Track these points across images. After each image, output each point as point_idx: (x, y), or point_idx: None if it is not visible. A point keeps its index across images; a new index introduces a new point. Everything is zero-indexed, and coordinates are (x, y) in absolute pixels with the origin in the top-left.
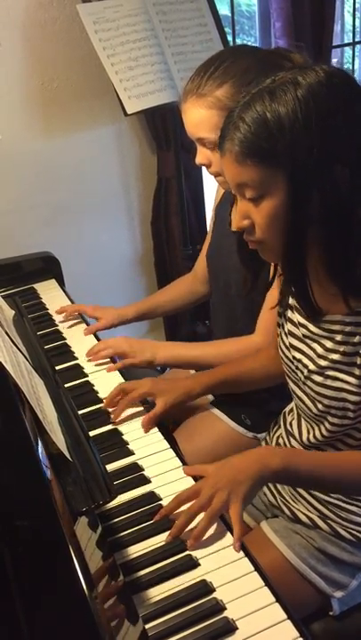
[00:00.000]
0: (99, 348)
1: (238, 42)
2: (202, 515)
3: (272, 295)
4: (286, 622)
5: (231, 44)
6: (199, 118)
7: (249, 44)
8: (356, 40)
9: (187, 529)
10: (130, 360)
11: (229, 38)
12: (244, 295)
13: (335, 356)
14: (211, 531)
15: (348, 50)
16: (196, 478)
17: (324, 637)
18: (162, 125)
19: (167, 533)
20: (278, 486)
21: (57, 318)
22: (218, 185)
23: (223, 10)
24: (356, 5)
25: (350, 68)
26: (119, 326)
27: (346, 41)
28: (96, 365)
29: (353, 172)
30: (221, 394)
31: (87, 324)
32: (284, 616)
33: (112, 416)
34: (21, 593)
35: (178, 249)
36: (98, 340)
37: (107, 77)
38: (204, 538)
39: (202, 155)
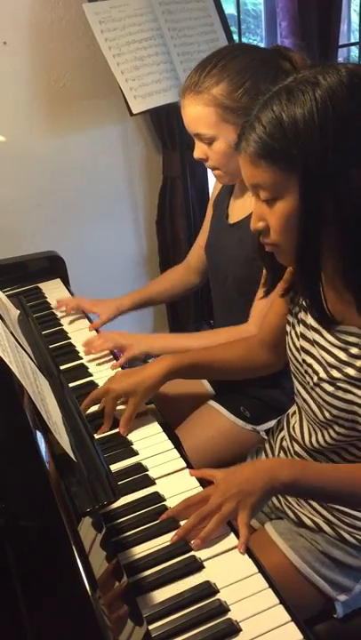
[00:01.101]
0: (98, 342)
1: (244, 41)
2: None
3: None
4: (290, 624)
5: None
6: (196, 114)
7: (255, 43)
8: None
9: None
10: (130, 353)
11: (235, 37)
12: (264, 295)
13: (350, 371)
14: (215, 532)
15: (354, 49)
16: (201, 481)
17: (328, 639)
18: (167, 125)
19: (171, 534)
20: None
21: (62, 318)
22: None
23: (229, 9)
24: None
25: None
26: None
27: (352, 40)
28: (98, 365)
29: None
30: (221, 387)
31: (89, 320)
32: (288, 618)
33: (120, 429)
34: (25, 593)
35: (183, 248)
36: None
37: (112, 77)
38: (209, 540)
39: (199, 149)
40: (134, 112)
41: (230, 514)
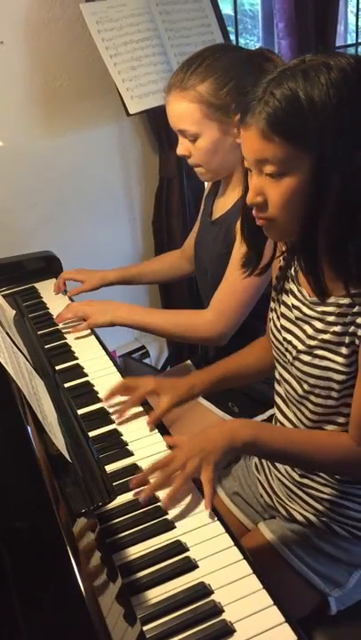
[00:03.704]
0: (63, 312)
1: (241, 41)
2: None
3: (235, 278)
4: (284, 625)
5: (234, 43)
6: (181, 111)
7: (252, 43)
8: (360, 41)
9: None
10: (93, 321)
11: (232, 38)
12: (247, 275)
13: (325, 336)
14: (209, 533)
15: (351, 50)
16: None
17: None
18: (164, 126)
19: (166, 535)
20: (274, 487)
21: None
22: None
23: (226, 9)
24: (360, 6)
25: None
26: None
27: (349, 41)
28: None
29: None
30: None
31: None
32: (282, 619)
33: (115, 415)
34: (20, 594)
35: (179, 248)
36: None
37: (109, 77)
38: (203, 540)
39: (182, 146)
40: (131, 112)
41: (194, 471)
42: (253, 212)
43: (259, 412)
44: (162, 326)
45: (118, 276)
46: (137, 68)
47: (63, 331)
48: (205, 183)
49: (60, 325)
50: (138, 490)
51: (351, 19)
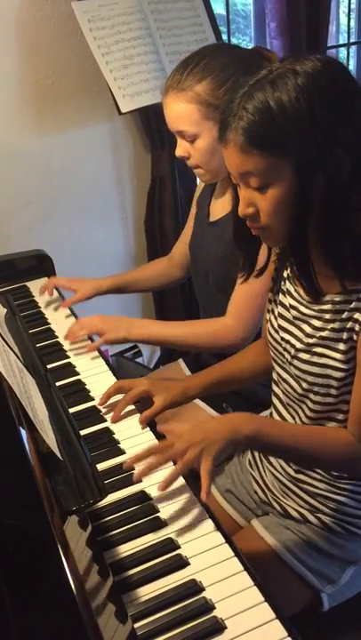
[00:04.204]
0: (74, 329)
1: (234, 41)
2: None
3: (249, 282)
4: (275, 622)
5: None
6: (179, 112)
7: (244, 43)
8: (351, 41)
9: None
10: (108, 337)
11: (224, 37)
12: (243, 280)
13: (323, 333)
14: (200, 530)
15: (343, 50)
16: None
17: (313, 636)
18: (156, 124)
19: (158, 533)
20: (268, 483)
21: (49, 317)
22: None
23: (219, 9)
24: (352, 6)
25: None
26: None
27: (341, 41)
28: (73, 345)
29: (354, 159)
30: None
31: (75, 316)
32: (273, 615)
33: (108, 416)
34: (10, 592)
35: (171, 247)
36: (74, 315)
37: (101, 76)
38: (194, 538)
39: (181, 147)
40: (123, 111)
41: (194, 459)
42: (248, 222)
43: (254, 413)
44: (182, 338)
45: (112, 284)
46: (129, 66)
47: (73, 349)
48: (198, 183)
49: (52, 325)
50: (131, 466)
51: (343, 19)
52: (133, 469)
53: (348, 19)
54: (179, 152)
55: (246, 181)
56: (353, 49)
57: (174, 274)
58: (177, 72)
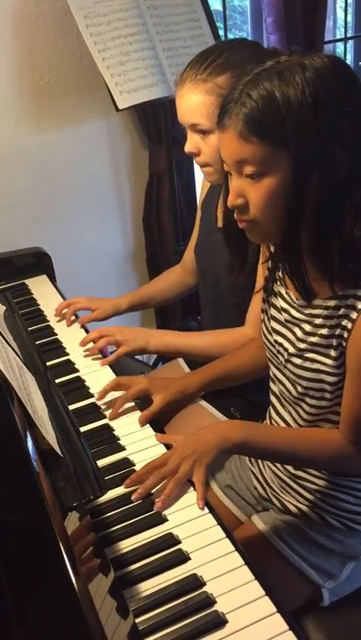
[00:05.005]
0: (92, 337)
1: (230, 37)
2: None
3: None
4: (276, 615)
5: (223, 39)
6: (196, 103)
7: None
8: (348, 35)
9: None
10: (124, 349)
11: (221, 33)
12: (232, 281)
13: (314, 339)
14: (201, 525)
15: (340, 45)
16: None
17: (314, 630)
18: (153, 121)
19: (158, 528)
20: (267, 479)
21: (48, 314)
22: (203, 179)
23: (215, 5)
24: (348, 1)
25: None
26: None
27: (338, 36)
28: (88, 359)
29: (352, 159)
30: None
31: (76, 317)
32: (274, 609)
33: (108, 412)
34: (12, 588)
35: (169, 244)
36: (87, 331)
37: (98, 72)
38: (195, 533)
39: (192, 142)
40: (120, 107)
41: (187, 474)
42: (235, 214)
43: (260, 419)
44: (202, 349)
45: (130, 303)
46: (125, 63)
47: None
48: (197, 180)
49: (51, 322)
50: (131, 488)
51: (340, 14)
52: (134, 470)
53: (346, 13)
54: (188, 148)
55: (240, 170)
56: (350, 43)
57: (189, 281)
58: (195, 63)
